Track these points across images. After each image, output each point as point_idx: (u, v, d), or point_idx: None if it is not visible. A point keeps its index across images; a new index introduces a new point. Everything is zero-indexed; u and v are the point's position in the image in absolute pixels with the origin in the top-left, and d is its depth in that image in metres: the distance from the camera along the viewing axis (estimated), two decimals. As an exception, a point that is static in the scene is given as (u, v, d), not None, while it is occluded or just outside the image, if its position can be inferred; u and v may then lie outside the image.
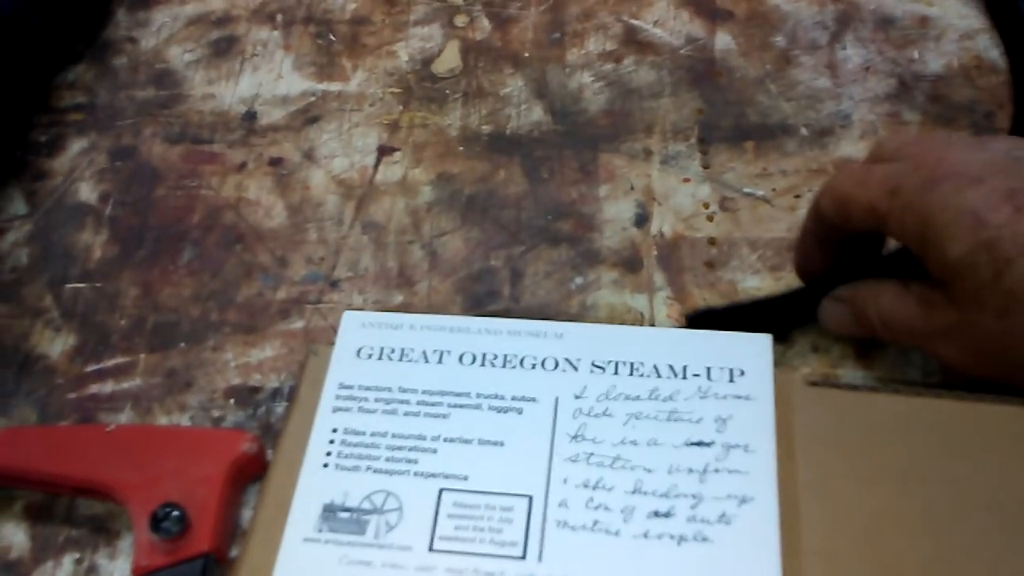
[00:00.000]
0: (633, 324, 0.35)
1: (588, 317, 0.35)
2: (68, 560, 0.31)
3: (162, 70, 0.44)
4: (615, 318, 0.35)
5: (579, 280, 0.36)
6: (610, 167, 0.39)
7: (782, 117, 0.40)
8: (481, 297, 0.36)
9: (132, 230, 0.39)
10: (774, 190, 0.38)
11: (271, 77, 0.43)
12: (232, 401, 0.34)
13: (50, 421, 0.34)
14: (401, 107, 0.42)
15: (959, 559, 0.23)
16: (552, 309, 0.36)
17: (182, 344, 0.36)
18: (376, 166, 0.40)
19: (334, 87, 0.43)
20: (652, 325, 0.35)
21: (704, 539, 0.23)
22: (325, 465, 0.26)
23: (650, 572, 0.23)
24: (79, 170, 0.41)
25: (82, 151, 0.42)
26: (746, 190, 0.38)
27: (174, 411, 0.34)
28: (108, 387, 0.35)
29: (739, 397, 0.26)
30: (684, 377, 0.26)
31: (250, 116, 0.42)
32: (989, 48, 0.41)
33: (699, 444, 0.25)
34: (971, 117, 0.39)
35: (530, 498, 0.25)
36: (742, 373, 0.26)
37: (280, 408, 0.33)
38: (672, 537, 0.24)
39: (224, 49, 0.45)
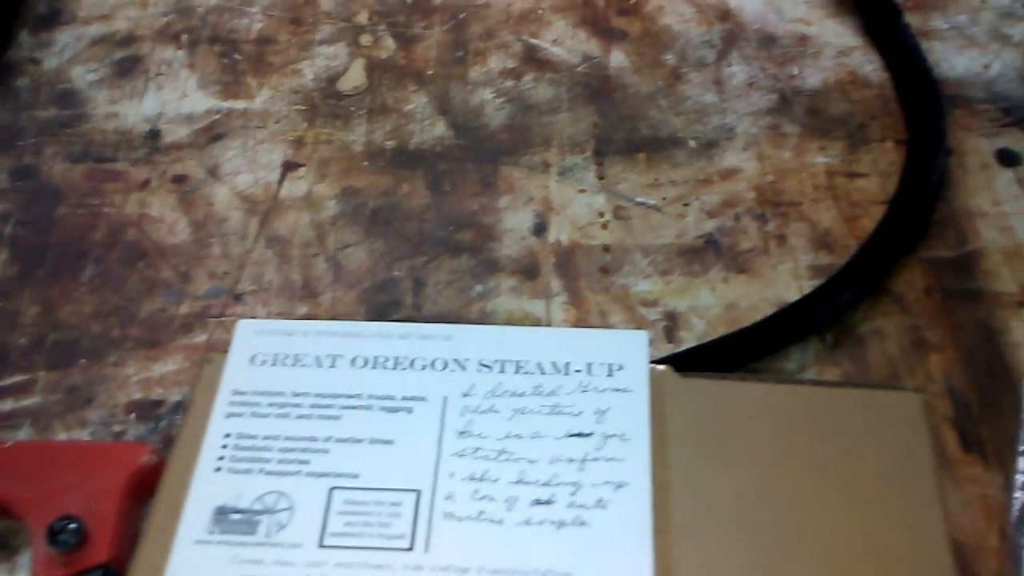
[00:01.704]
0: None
1: (487, 323, 0.36)
2: (-37, 579, 0.31)
3: (65, 90, 0.44)
4: (513, 324, 0.36)
5: (479, 288, 0.38)
6: (510, 179, 0.41)
7: (672, 130, 0.42)
8: (384, 307, 0.37)
9: (33, 249, 0.39)
10: (664, 199, 0.40)
11: (175, 96, 0.44)
12: (133, 416, 0.34)
13: (-55, 441, 0.34)
14: (306, 124, 0.43)
15: (818, 533, 0.25)
16: (453, 316, 0.37)
17: (83, 361, 0.36)
18: (281, 181, 0.41)
19: (239, 105, 0.44)
20: (549, 329, 0.36)
21: (582, 523, 0.25)
22: (218, 469, 0.26)
23: (531, 556, 0.24)
24: (-22, 190, 0.41)
25: (-19, 171, 0.42)
26: (638, 199, 0.40)
27: (74, 427, 0.34)
28: (7, 405, 0.35)
29: (617, 390, 0.27)
30: (567, 373, 0.28)
31: (154, 134, 0.42)
32: (863, 64, 0.44)
33: (579, 435, 0.26)
34: (846, 129, 0.42)
35: (418, 492, 0.26)
36: (620, 367, 0.28)
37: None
38: (552, 523, 0.25)
39: (128, 68, 0.45)
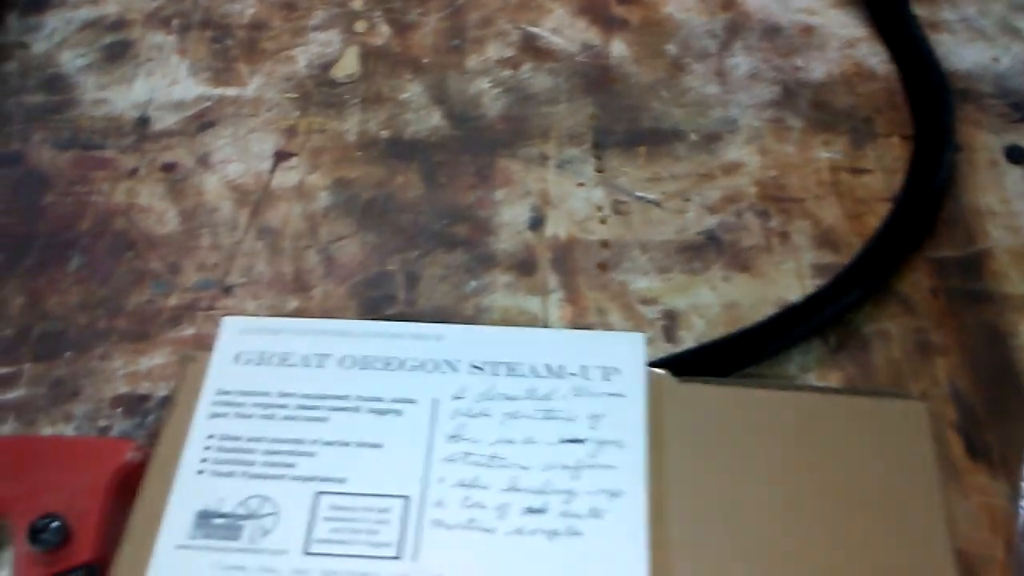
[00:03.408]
0: (526, 326, 0.35)
1: (482, 320, 0.36)
2: (-58, 578, 0.30)
3: (53, 75, 0.43)
4: (509, 320, 0.36)
5: (474, 283, 0.37)
6: (507, 172, 0.40)
7: (673, 123, 0.41)
8: (377, 302, 0.36)
9: (18, 238, 0.38)
10: (664, 194, 0.39)
11: (165, 82, 0.43)
12: (120, 410, 0.34)
13: (-73, 435, 0.33)
14: (298, 112, 0.42)
15: (819, 545, 0.24)
16: (447, 312, 0.36)
17: (68, 353, 0.35)
18: (272, 171, 0.40)
19: (231, 92, 0.43)
20: (545, 326, 0.35)
21: (576, 533, 0.24)
22: (200, 472, 0.26)
23: (522, 567, 0.24)
24: (-37, 177, 0.40)
25: (-34, 157, 0.41)
26: (638, 194, 0.39)
27: (59, 421, 0.34)
28: (-10, 399, 0.34)
29: (613, 395, 0.26)
30: (561, 376, 0.27)
31: (143, 121, 0.42)
32: (868, 56, 0.43)
33: (573, 441, 0.26)
34: (851, 123, 0.41)
35: (406, 498, 0.25)
36: (616, 371, 0.27)
37: (170, 416, 0.33)
38: (545, 532, 0.24)
39: (118, 53, 0.44)
